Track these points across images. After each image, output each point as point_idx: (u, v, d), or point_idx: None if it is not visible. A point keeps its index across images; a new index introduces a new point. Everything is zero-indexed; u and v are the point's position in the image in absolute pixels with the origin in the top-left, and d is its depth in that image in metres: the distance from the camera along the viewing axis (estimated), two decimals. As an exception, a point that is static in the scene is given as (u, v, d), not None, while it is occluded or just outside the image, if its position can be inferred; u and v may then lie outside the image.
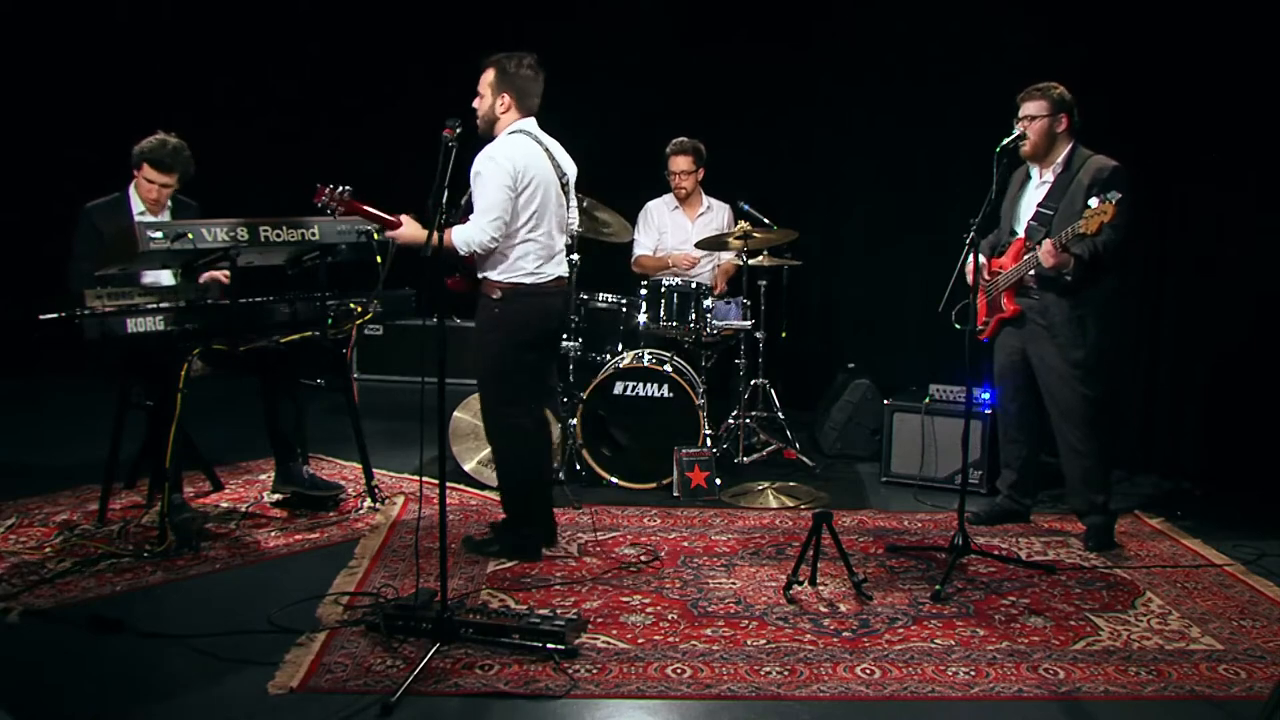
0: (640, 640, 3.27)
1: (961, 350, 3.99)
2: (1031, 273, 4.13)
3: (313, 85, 7.29)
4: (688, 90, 6.66)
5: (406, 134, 5.48)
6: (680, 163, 5.61)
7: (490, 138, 3.81)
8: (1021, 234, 4.23)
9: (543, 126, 3.96)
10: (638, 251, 5.79)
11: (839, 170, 6.54)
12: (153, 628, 3.25)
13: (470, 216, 3.74)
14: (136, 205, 4.32)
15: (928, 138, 6.12)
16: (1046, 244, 3.95)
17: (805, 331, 6.67)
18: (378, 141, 6.88)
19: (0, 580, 3.60)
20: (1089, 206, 3.82)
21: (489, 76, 3.80)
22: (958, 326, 4.30)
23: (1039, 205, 4.18)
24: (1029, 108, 4.12)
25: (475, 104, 3.81)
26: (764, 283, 5.52)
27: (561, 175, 3.91)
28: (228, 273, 4.12)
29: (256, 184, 6.93)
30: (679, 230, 5.75)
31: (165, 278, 4.29)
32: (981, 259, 4.16)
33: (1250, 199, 4.93)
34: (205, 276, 4.25)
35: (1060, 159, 4.15)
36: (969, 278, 4.15)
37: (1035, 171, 4.26)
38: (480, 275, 3.84)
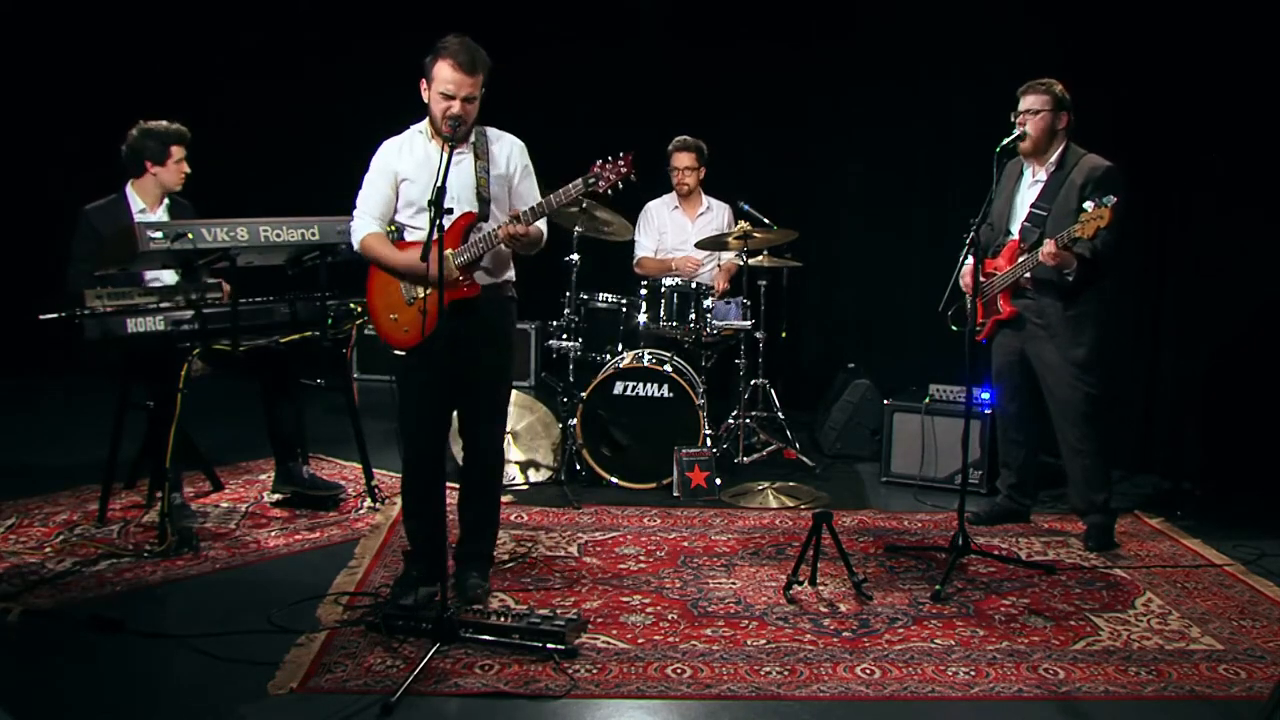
0: (640, 640, 3.26)
1: (961, 350, 3.99)
2: (1027, 274, 4.13)
3: (314, 84, 7.30)
4: (688, 90, 6.67)
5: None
6: (683, 159, 5.61)
7: (458, 141, 3.33)
8: (1016, 235, 4.23)
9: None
10: (639, 253, 5.79)
11: (839, 170, 6.54)
12: (153, 628, 3.25)
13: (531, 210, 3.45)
14: (136, 204, 4.32)
15: (928, 138, 6.12)
16: (1048, 244, 3.94)
17: (805, 331, 6.67)
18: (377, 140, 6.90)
19: (0, 580, 3.60)
20: (1084, 210, 3.82)
21: (480, 80, 3.38)
22: (954, 329, 4.31)
23: (1032, 206, 4.18)
24: (1031, 101, 4.11)
25: (469, 110, 3.35)
26: (764, 283, 5.52)
27: None
28: (229, 288, 4.13)
29: (256, 184, 6.95)
30: (679, 230, 5.75)
31: (166, 277, 4.29)
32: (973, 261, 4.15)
33: (1250, 200, 4.92)
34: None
35: (1054, 157, 4.15)
36: (965, 278, 4.15)
37: (1029, 170, 4.26)
38: (504, 278, 3.57)
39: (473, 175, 3.44)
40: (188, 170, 4.35)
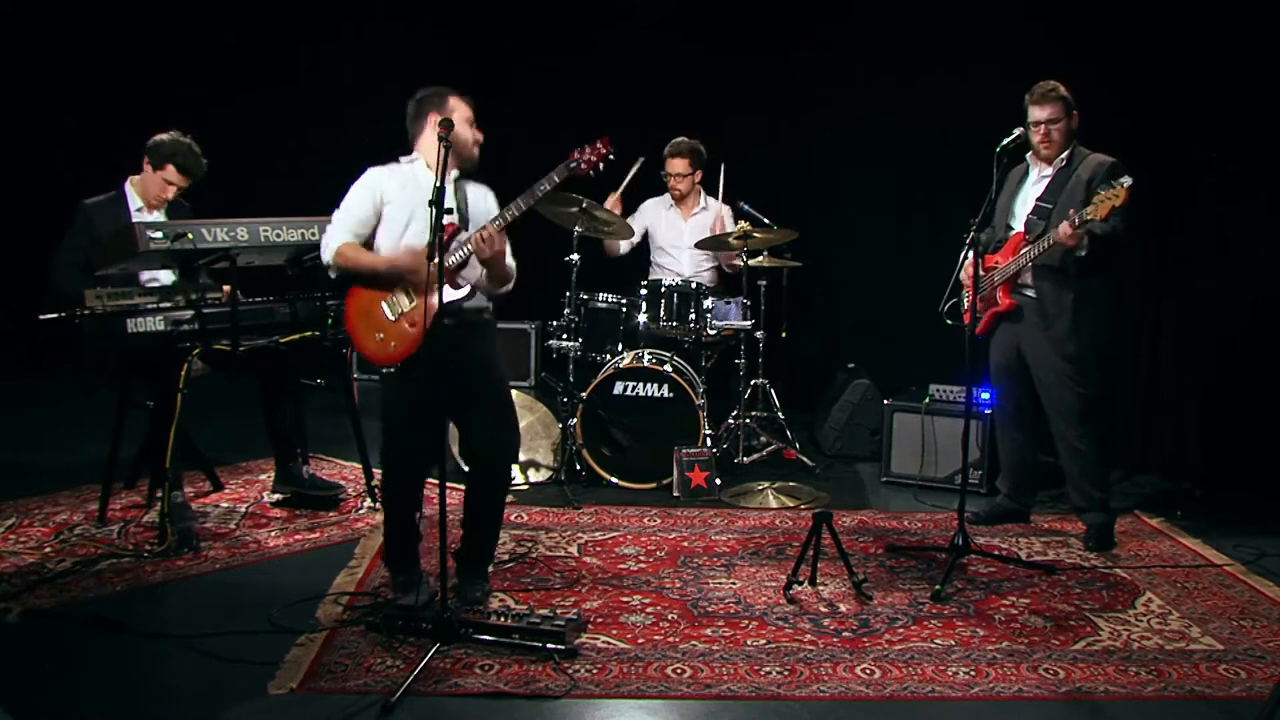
0: (640, 640, 3.27)
1: (961, 350, 3.99)
2: (1029, 263, 4.13)
3: (314, 84, 7.30)
4: (687, 90, 6.66)
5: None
6: (677, 165, 5.60)
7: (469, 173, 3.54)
8: (1019, 228, 4.24)
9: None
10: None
11: (839, 170, 6.54)
12: (153, 628, 3.25)
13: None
14: (134, 203, 4.32)
15: (928, 138, 6.12)
16: (1064, 225, 3.93)
17: (805, 331, 6.67)
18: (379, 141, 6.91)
19: (0, 580, 3.60)
20: (1098, 192, 3.82)
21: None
22: (949, 322, 4.32)
23: (1038, 200, 4.19)
24: (1046, 111, 4.11)
25: (479, 136, 3.51)
26: (764, 283, 5.52)
27: None
28: (228, 289, 4.13)
29: (256, 184, 6.94)
30: (672, 229, 5.76)
31: (164, 278, 4.29)
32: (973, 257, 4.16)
33: (1250, 198, 4.93)
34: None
35: (1063, 155, 4.17)
36: (966, 275, 4.15)
37: (1035, 169, 4.27)
38: (490, 301, 3.58)
39: (452, 194, 3.44)
40: (169, 197, 4.33)
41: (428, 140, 3.44)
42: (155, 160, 4.27)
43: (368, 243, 3.48)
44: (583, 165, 3.41)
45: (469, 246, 3.36)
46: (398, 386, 3.45)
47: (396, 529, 3.53)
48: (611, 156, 3.45)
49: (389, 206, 3.45)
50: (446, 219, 3.33)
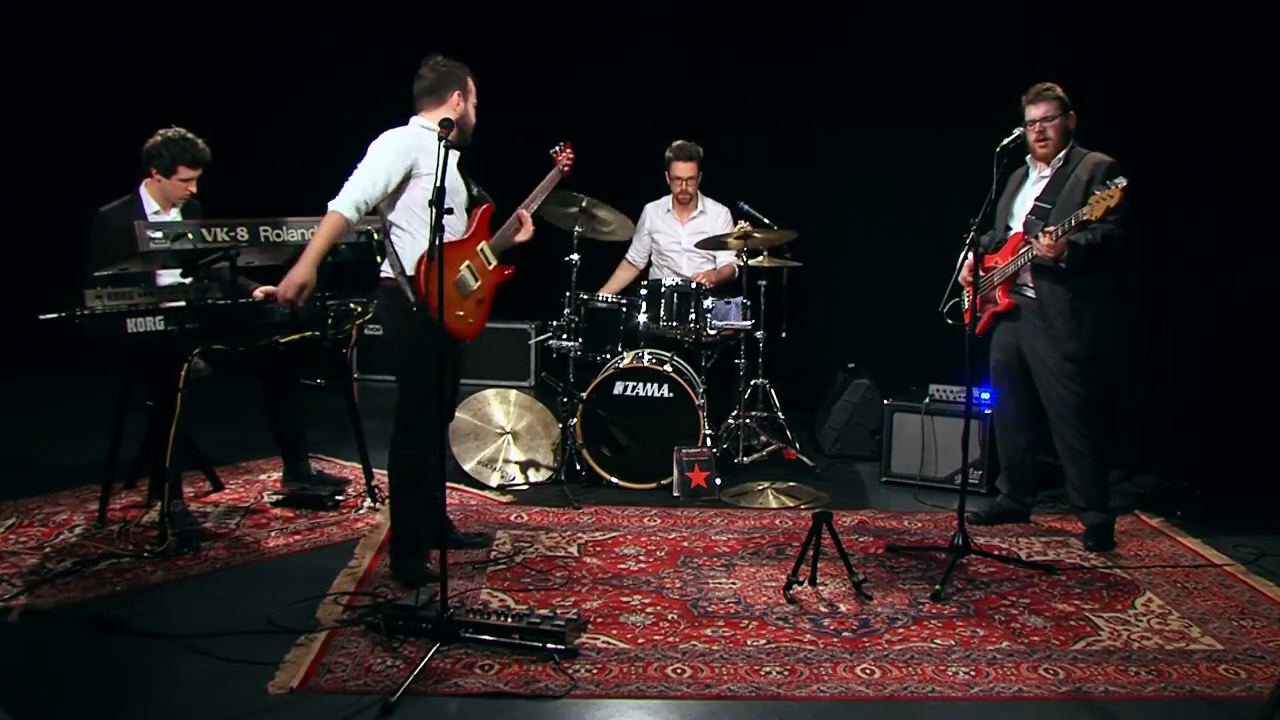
0: (640, 640, 3.27)
1: (961, 350, 3.99)
2: (1027, 262, 4.14)
3: (315, 85, 7.30)
4: (687, 90, 6.67)
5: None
6: (685, 169, 5.58)
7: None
8: (1018, 229, 4.24)
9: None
10: (629, 253, 5.84)
11: (839, 170, 6.53)
12: (153, 628, 3.25)
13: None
14: (150, 206, 4.30)
15: (928, 138, 6.11)
16: (1044, 236, 3.95)
17: (805, 331, 6.67)
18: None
19: (0, 580, 3.60)
20: (1093, 193, 3.83)
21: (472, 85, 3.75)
22: (949, 322, 4.32)
23: (1037, 200, 4.19)
24: (1042, 109, 4.11)
25: (468, 114, 3.71)
26: (764, 283, 5.51)
27: None
28: (266, 289, 4.15)
29: (257, 184, 6.95)
30: (671, 232, 5.76)
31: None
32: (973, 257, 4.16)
33: (1250, 198, 4.92)
34: (259, 292, 4.23)
35: (1061, 155, 4.17)
36: (965, 275, 4.16)
37: (1034, 170, 4.27)
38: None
39: (458, 176, 3.67)
40: (194, 190, 4.33)
41: (446, 115, 3.57)
42: (163, 168, 4.25)
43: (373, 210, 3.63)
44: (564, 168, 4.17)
45: (509, 229, 3.85)
46: (440, 360, 3.30)
47: (419, 511, 3.62)
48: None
49: (425, 177, 3.52)
50: (461, 204, 3.66)
